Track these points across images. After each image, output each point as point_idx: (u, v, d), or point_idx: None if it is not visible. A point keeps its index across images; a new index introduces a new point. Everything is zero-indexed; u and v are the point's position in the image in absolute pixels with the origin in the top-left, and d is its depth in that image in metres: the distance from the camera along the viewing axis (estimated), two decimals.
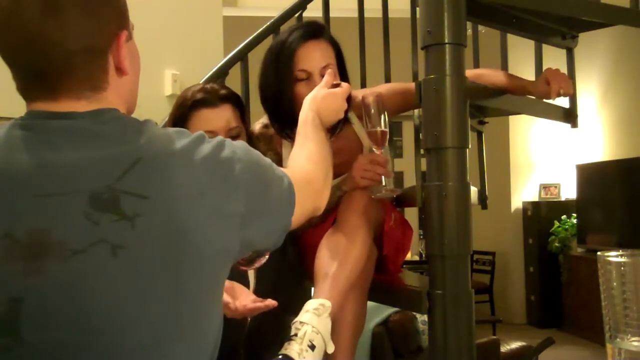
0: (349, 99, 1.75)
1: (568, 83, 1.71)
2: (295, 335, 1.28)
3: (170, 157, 0.86)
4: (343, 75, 1.69)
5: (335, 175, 1.71)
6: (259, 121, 1.79)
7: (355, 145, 1.72)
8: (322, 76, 1.60)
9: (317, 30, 1.66)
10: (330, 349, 1.33)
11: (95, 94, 0.88)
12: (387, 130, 1.60)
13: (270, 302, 1.35)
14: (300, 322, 1.31)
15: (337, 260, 1.45)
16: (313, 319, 1.31)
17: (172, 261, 0.83)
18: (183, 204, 0.84)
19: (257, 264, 1.39)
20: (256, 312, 1.36)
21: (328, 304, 1.35)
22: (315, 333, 1.29)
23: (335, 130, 1.72)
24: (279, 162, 1.73)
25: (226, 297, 1.32)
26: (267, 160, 1.02)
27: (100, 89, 0.89)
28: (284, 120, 1.68)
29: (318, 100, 1.36)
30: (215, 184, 0.89)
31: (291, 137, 1.69)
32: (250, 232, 0.94)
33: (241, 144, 0.98)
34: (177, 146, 0.88)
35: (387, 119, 1.60)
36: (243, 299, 1.37)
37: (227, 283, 1.35)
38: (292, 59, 1.61)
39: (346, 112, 1.74)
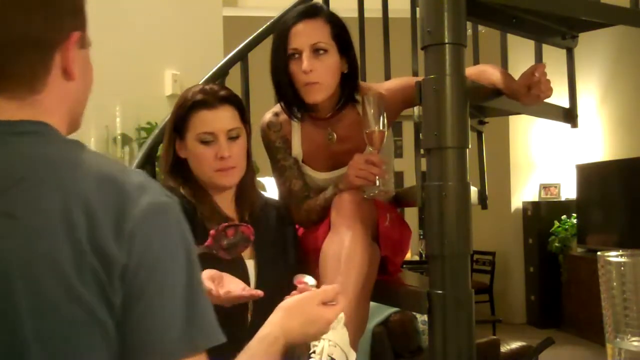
0: (358, 86, 1.75)
1: (546, 85, 1.59)
2: (314, 352, 1.29)
3: (59, 179, 0.76)
4: (348, 57, 1.71)
5: (340, 164, 1.72)
6: (270, 110, 1.82)
7: (360, 135, 1.71)
8: (314, 52, 1.63)
9: (311, 10, 1.70)
10: (352, 357, 1.33)
11: (30, 96, 0.81)
12: (385, 131, 1.60)
13: (256, 292, 1.35)
14: None
15: (342, 270, 1.47)
16: (329, 333, 1.31)
17: (33, 289, 0.72)
18: (53, 229, 0.73)
19: (241, 250, 1.43)
20: (241, 301, 1.36)
21: (341, 315, 1.36)
22: (333, 346, 1.30)
23: (339, 107, 1.73)
24: (288, 148, 1.77)
25: (209, 284, 1.30)
26: (199, 277, 0.81)
27: (35, 90, 0.81)
28: (287, 98, 1.72)
29: (294, 321, 1.08)
30: (103, 215, 0.74)
31: (298, 117, 1.75)
32: (131, 312, 0.74)
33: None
34: (79, 169, 0.77)
35: (386, 121, 1.59)
36: (232, 287, 1.36)
37: (218, 273, 1.35)
38: (286, 38, 1.66)
39: (354, 96, 1.75)
